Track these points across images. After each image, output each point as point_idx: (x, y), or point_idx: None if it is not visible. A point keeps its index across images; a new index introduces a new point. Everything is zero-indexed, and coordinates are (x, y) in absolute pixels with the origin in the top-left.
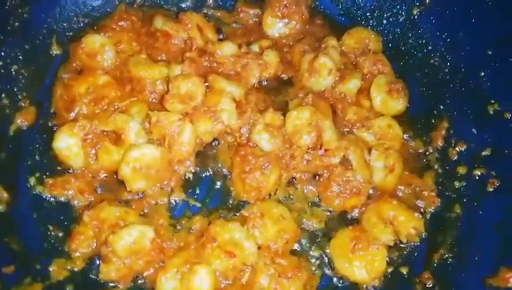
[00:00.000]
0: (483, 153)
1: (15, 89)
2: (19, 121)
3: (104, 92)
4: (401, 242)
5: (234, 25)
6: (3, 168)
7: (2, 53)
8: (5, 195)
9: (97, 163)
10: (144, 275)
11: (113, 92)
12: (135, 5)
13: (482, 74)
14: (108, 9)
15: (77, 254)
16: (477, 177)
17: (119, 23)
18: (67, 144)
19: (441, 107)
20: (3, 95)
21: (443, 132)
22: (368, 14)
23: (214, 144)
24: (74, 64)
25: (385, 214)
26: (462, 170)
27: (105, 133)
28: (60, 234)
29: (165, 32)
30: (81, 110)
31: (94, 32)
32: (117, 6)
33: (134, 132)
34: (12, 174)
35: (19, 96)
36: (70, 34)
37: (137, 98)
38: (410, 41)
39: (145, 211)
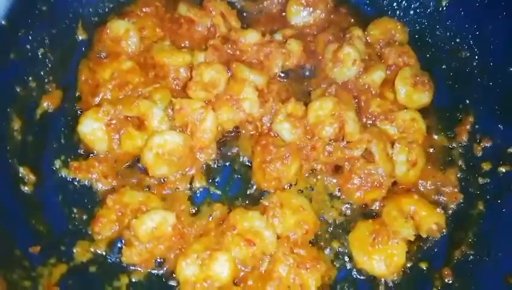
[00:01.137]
0: (508, 150)
1: (41, 73)
2: (45, 105)
3: (128, 78)
4: (421, 237)
5: (258, 13)
6: (30, 150)
7: (30, 37)
8: (32, 177)
9: (120, 148)
10: (165, 259)
11: (137, 77)
12: None
13: (511, 69)
14: None
15: (100, 236)
16: (502, 175)
17: (144, 9)
18: (91, 128)
19: (467, 101)
20: (30, 78)
21: (468, 127)
22: (394, 4)
23: (235, 132)
24: (99, 50)
25: (406, 209)
26: (486, 167)
27: (129, 118)
28: (84, 217)
29: (188, 18)
30: (106, 95)
31: (119, 18)
32: None
33: (157, 119)
34: (39, 156)
35: (45, 80)
36: (96, 19)
37: (160, 85)
38: (437, 33)
39: (167, 197)
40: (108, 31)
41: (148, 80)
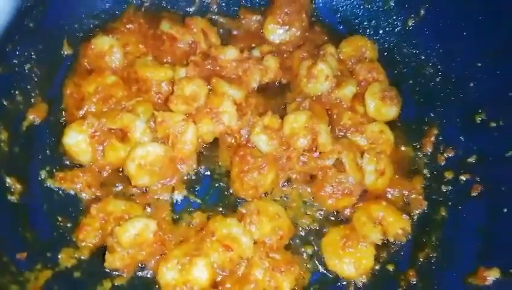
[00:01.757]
0: (469, 159)
1: (28, 87)
2: (31, 117)
3: (111, 92)
4: (388, 241)
5: (237, 30)
6: (17, 161)
7: (17, 52)
8: (18, 187)
9: (104, 159)
10: (146, 265)
11: (121, 91)
12: (142, 8)
13: (471, 84)
14: (117, 12)
15: (84, 243)
16: (463, 183)
17: (127, 26)
18: (76, 140)
19: (432, 114)
20: (17, 92)
21: (433, 139)
22: (365, 23)
23: (214, 144)
24: (84, 64)
25: (374, 215)
26: (449, 175)
27: (112, 130)
28: (69, 225)
29: (171, 35)
30: (90, 108)
31: (103, 34)
32: (125, 9)
33: (140, 131)
34: (25, 167)
35: (32, 94)
36: (81, 34)
37: (142, 98)
38: (404, 50)
39: (149, 205)
40: (93, 46)
41: (131, 94)
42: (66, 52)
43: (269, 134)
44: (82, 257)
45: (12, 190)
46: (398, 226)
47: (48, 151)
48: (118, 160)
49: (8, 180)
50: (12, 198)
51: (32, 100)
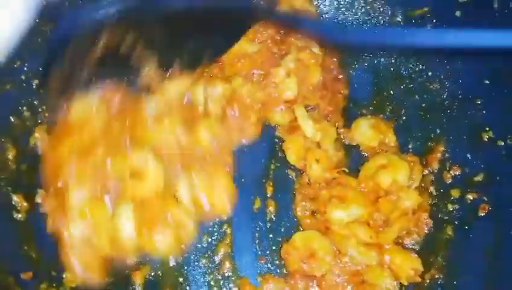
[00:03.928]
0: (475, 178)
1: (35, 103)
2: (37, 134)
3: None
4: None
5: None
6: (23, 178)
7: (25, 68)
8: (25, 204)
9: None
10: None
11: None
12: None
13: (479, 102)
14: None
15: None
16: (469, 202)
17: None
18: None
19: (438, 131)
20: (24, 108)
21: (439, 155)
22: None
23: None
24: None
25: (382, 259)
26: (455, 194)
27: None
28: None
29: None
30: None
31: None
32: None
33: None
34: (31, 184)
35: (39, 109)
36: None
37: None
38: (411, 66)
39: None
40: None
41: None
42: None
43: None
44: None
45: (18, 208)
46: (408, 267)
47: None
48: None
49: (15, 198)
50: (19, 216)
51: (39, 116)
